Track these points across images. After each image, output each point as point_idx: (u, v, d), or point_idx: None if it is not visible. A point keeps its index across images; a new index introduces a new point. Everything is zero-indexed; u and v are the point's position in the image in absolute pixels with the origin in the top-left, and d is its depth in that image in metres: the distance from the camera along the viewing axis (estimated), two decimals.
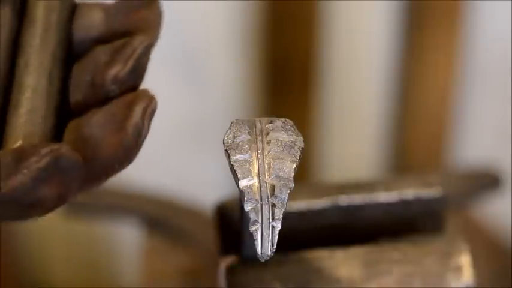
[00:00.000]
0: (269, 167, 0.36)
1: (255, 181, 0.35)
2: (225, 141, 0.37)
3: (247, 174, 0.35)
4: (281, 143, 0.36)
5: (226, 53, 0.85)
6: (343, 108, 0.89)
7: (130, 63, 0.35)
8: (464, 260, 0.44)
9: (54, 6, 0.36)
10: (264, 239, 0.35)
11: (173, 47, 0.81)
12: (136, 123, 0.34)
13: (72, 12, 0.37)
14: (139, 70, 0.35)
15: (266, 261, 0.35)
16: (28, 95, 0.34)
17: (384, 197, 0.45)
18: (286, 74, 0.84)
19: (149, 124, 0.34)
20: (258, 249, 0.35)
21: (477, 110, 0.91)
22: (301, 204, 0.45)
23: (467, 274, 0.43)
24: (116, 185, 0.74)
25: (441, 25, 0.84)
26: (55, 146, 0.31)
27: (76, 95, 0.35)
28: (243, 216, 0.40)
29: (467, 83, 0.89)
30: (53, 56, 0.35)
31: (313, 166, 0.90)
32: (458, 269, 0.43)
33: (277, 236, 0.35)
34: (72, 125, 0.35)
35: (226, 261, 0.44)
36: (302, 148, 0.37)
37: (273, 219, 0.35)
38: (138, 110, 0.34)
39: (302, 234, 0.45)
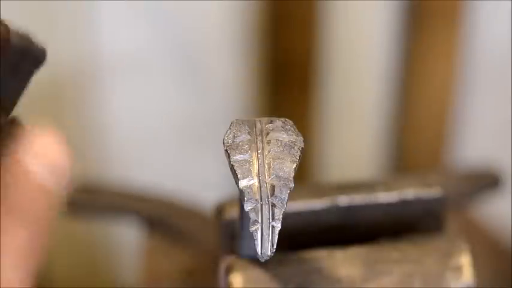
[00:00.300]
0: (269, 167, 0.36)
1: (255, 181, 0.35)
2: (225, 141, 0.37)
3: (247, 174, 0.36)
4: (281, 143, 0.36)
5: (226, 53, 0.85)
6: (343, 108, 0.89)
7: None
8: (464, 260, 0.44)
9: None
10: (264, 239, 0.35)
11: (173, 47, 0.81)
12: None
13: None
14: None
15: (266, 261, 0.35)
16: None
17: (384, 197, 0.45)
18: (286, 74, 0.84)
19: None
20: (258, 249, 0.35)
21: (477, 110, 0.91)
22: (301, 205, 0.45)
23: (467, 274, 0.43)
24: (116, 185, 0.74)
25: (441, 25, 0.84)
26: None
27: None
28: (243, 216, 0.40)
29: (467, 83, 0.89)
30: None
31: (313, 166, 0.90)
32: (458, 269, 0.43)
33: (277, 236, 0.35)
34: None
35: (226, 261, 0.44)
36: (302, 148, 0.37)
37: (273, 219, 0.35)
38: None
39: (302, 234, 0.45)
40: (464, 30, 0.85)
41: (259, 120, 0.37)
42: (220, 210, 0.46)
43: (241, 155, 0.36)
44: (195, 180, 0.88)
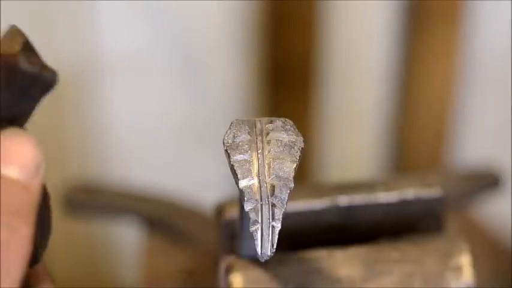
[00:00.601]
0: (269, 167, 0.36)
1: (255, 181, 0.35)
2: (225, 141, 0.37)
3: (247, 174, 0.36)
4: (281, 143, 0.36)
5: (226, 53, 0.85)
6: (343, 108, 0.89)
7: None
8: (464, 260, 0.44)
9: None
10: (264, 239, 0.35)
11: (173, 47, 0.81)
12: None
13: None
14: None
15: (266, 261, 0.35)
16: None
17: (384, 197, 0.45)
18: (286, 74, 0.84)
19: None
20: (258, 249, 0.35)
21: (477, 110, 0.91)
22: (301, 205, 0.45)
23: (467, 274, 0.43)
24: (116, 185, 0.74)
25: (441, 25, 0.84)
26: None
27: None
28: (243, 216, 0.40)
29: (467, 83, 0.89)
30: None
31: (313, 166, 0.90)
32: (458, 269, 0.43)
33: (277, 236, 0.35)
34: None
35: (226, 261, 0.44)
36: (302, 148, 0.37)
37: (273, 219, 0.35)
38: None
39: (302, 234, 0.45)
40: (464, 30, 0.85)
41: (259, 120, 0.37)
42: (220, 210, 0.46)
43: (241, 155, 0.36)
44: (195, 180, 0.88)
